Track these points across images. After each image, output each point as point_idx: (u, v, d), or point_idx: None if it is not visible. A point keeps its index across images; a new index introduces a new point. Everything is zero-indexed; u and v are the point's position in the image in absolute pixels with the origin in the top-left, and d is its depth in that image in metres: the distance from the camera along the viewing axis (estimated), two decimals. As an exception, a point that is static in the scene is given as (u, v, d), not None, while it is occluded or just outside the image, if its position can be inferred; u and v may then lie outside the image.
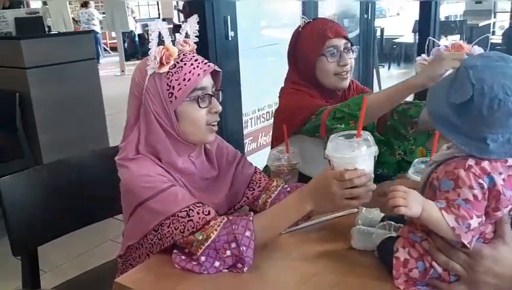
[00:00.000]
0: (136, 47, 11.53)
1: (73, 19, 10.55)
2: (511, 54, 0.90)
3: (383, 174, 1.63)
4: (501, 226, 0.95)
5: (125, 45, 11.44)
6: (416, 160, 1.33)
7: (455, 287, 0.96)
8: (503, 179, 0.90)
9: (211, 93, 1.21)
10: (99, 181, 1.64)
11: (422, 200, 0.94)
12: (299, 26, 1.72)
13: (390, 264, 1.03)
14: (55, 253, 1.57)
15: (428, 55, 1.52)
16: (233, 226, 1.09)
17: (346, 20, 4.26)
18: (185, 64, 1.16)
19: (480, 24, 7.96)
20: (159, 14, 13.35)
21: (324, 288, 1.04)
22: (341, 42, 1.60)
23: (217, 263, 1.08)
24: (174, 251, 1.13)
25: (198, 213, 1.11)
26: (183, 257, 1.11)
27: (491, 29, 8.43)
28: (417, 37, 8.40)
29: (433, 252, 0.97)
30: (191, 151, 1.25)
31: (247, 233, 1.08)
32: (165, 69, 1.15)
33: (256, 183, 1.38)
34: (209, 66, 1.19)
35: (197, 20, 1.25)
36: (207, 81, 1.20)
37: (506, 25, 8.17)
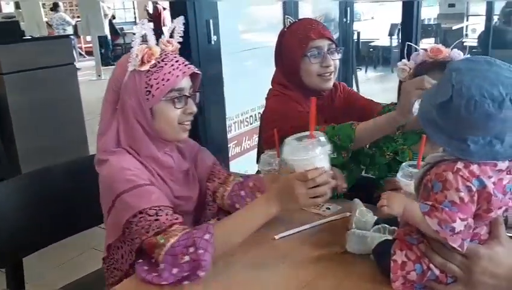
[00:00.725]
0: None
1: (47, 22, 10.37)
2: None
3: (375, 175, 1.63)
4: (496, 227, 0.97)
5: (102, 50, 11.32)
6: (404, 163, 1.34)
7: (452, 288, 0.97)
8: (494, 183, 0.91)
9: (187, 94, 1.23)
10: (83, 189, 1.58)
11: (405, 201, 0.97)
12: (284, 26, 1.72)
13: (386, 267, 1.03)
14: (36, 263, 1.54)
15: (408, 60, 1.55)
16: (194, 231, 1.09)
17: (324, 24, 4.29)
18: (166, 64, 1.19)
19: (454, 27, 8.12)
20: (135, 18, 13.24)
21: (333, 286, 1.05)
22: (324, 43, 1.60)
23: (174, 270, 1.06)
24: (139, 260, 1.12)
25: (166, 215, 1.12)
26: (145, 268, 1.10)
27: (464, 32, 8.61)
28: (393, 40, 8.58)
29: (430, 254, 0.98)
30: (166, 147, 1.28)
31: (206, 236, 1.07)
32: (146, 67, 1.18)
33: (216, 175, 1.42)
34: (189, 68, 1.22)
35: (183, 22, 1.27)
36: (185, 83, 1.23)
37: (478, 28, 8.36)
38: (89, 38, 10.39)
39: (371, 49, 8.86)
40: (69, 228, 1.62)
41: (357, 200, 1.37)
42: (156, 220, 1.10)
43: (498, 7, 4.69)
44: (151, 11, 11.66)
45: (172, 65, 1.19)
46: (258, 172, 1.59)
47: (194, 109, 1.25)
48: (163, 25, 11.38)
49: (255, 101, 3.23)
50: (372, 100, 1.78)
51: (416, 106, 1.28)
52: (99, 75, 9.45)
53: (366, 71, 8.67)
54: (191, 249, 1.05)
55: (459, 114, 0.87)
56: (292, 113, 1.60)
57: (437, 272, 0.97)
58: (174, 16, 2.82)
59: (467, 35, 8.61)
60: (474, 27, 8.78)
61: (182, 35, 1.26)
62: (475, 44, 6.42)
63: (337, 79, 1.76)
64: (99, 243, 2.85)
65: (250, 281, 1.10)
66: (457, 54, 1.48)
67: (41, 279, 2.44)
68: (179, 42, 1.26)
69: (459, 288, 0.96)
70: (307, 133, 1.11)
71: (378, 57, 8.90)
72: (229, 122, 3.08)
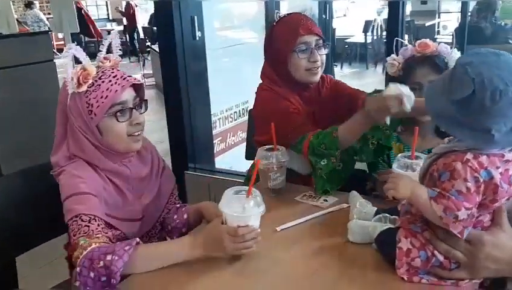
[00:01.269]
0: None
1: (17, 19, 10.08)
2: (463, 52, 0.96)
3: (362, 161, 1.66)
4: (499, 215, 1.00)
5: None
6: (399, 155, 1.37)
7: (456, 273, 1.01)
8: (501, 173, 0.94)
9: (131, 106, 1.26)
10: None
11: (412, 184, 1.00)
12: (274, 20, 1.73)
13: (389, 255, 1.06)
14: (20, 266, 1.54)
15: (397, 55, 1.59)
16: (118, 243, 1.12)
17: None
18: (103, 82, 1.22)
19: (427, 24, 8.28)
20: (108, 14, 13.02)
21: (328, 282, 1.07)
22: (312, 39, 1.62)
23: (92, 274, 1.07)
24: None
25: (98, 226, 1.16)
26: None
27: (436, 29, 8.78)
28: (368, 37, 8.69)
29: (435, 242, 1.01)
30: (122, 158, 1.32)
31: (126, 247, 1.08)
32: (84, 88, 1.21)
33: (170, 203, 1.49)
34: (127, 80, 1.25)
35: (117, 35, 1.33)
36: (127, 95, 1.25)
37: (449, 25, 8.55)
38: (60, 35, 10.16)
39: (346, 46, 8.94)
40: (59, 227, 1.59)
41: (354, 192, 1.40)
42: (86, 226, 1.15)
43: (471, 4, 4.81)
44: (123, 10, 11.50)
45: (110, 81, 1.22)
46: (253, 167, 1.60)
47: (141, 120, 1.28)
48: (137, 23, 11.25)
49: (240, 96, 3.24)
50: (358, 89, 1.82)
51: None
52: (73, 73, 9.27)
53: (341, 67, 8.76)
54: (108, 257, 1.06)
55: (483, 106, 0.88)
56: (280, 109, 1.62)
57: (441, 258, 1.00)
58: (158, 12, 2.81)
59: (438, 32, 8.78)
60: (445, 24, 8.96)
61: (120, 48, 1.31)
62: (448, 40, 6.58)
63: None
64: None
65: (258, 273, 1.12)
66: (445, 48, 1.52)
67: (28, 279, 2.40)
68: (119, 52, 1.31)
69: (463, 273, 1.00)
70: (246, 187, 1.15)
71: (354, 54, 9.00)
72: (213, 118, 3.07)
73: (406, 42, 1.61)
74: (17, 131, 3.23)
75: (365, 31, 8.70)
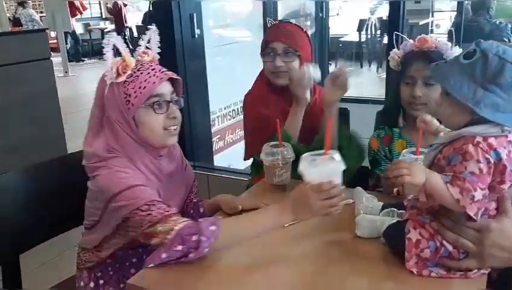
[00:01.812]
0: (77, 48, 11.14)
1: (9, 18, 10.01)
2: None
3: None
4: (503, 203, 1.03)
5: (67, 46, 11.02)
6: (404, 151, 1.39)
7: (464, 263, 1.02)
8: (507, 154, 0.97)
9: (168, 99, 1.27)
10: (72, 187, 1.56)
11: (426, 170, 1.01)
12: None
13: (398, 248, 1.07)
14: (22, 263, 1.54)
15: (398, 50, 1.62)
16: (200, 221, 1.13)
17: (293, 20, 4.33)
18: (142, 73, 1.23)
19: (420, 23, 8.33)
20: (101, 13, 12.96)
21: (338, 277, 1.07)
22: (279, 46, 1.72)
23: (179, 247, 1.09)
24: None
25: (158, 209, 1.16)
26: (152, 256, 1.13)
27: (430, 28, 8.83)
28: (362, 35, 8.73)
29: (443, 231, 1.03)
30: (156, 153, 1.32)
31: (212, 227, 1.11)
32: (122, 78, 1.22)
33: (192, 196, 1.52)
34: (165, 74, 1.26)
35: (157, 30, 1.32)
36: (165, 88, 1.26)
37: (442, 24, 8.61)
38: (53, 34, 10.11)
39: (340, 45, 8.97)
40: (61, 225, 1.61)
41: (359, 188, 1.41)
42: (149, 214, 1.15)
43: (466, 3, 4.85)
44: (111, 8, 11.47)
45: (148, 73, 1.23)
46: (258, 166, 1.63)
47: (177, 114, 1.29)
48: (125, 22, 11.21)
49: (238, 94, 3.24)
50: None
51: None
52: (66, 72, 9.23)
53: (336, 66, 8.78)
54: (195, 237, 1.09)
55: None
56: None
57: (450, 248, 1.02)
58: (158, 9, 2.81)
59: (432, 30, 8.83)
60: (438, 22, 9.02)
61: (159, 45, 1.31)
62: (442, 39, 6.63)
63: None
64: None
65: (268, 269, 1.12)
66: (445, 45, 1.54)
67: (29, 277, 2.39)
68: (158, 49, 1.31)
69: (471, 262, 1.02)
70: (321, 151, 1.16)
71: (348, 53, 9.03)
72: (212, 116, 3.08)
73: (405, 37, 1.64)
74: (15, 128, 3.21)
75: (359, 29, 8.73)
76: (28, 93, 3.29)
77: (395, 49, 1.62)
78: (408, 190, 1.31)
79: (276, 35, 1.75)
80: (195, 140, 2.93)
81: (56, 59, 10.03)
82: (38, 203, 1.54)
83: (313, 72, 1.67)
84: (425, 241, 1.03)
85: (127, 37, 10.35)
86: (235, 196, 1.50)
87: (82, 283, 1.39)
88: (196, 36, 2.80)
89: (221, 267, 1.11)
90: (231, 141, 3.26)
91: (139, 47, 1.27)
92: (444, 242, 1.02)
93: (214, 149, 3.10)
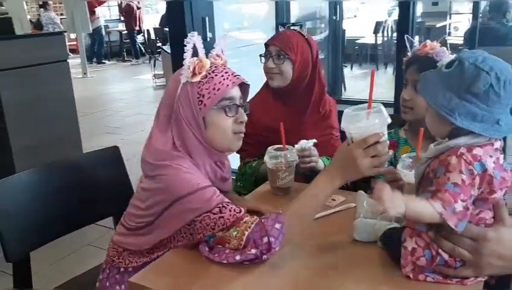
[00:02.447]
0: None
1: (30, 20, 10.21)
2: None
3: None
4: (499, 211, 1.02)
5: (95, 47, 11.19)
6: (403, 155, 1.40)
7: (461, 271, 1.02)
8: (494, 162, 0.97)
9: (238, 103, 1.28)
10: (83, 186, 1.67)
11: (404, 198, 0.99)
12: None
13: (395, 253, 1.09)
14: (33, 261, 1.58)
15: (409, 52, 1.63)
16: (263, 220, 1.14)
17: (309, 22, 4.34)
18: (216, 75, 1.24)
19: (437, 25, 8.24)
20: (119, 15, 13.10)
21: (335, 280, 1.09)
22: (273, 49, 1.82)
23: (253, 251, 1.11)
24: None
25: (230, 211, 1.16)
26: (206, 248, 1.16)
27: (447, 30, 8.74)
28: (378, 38, 8.68)
29: (439, 240, 1.03)
30: (217, 157, 1.33)
31: (277, 225, 1.12)
32: (197, 78, 1.23)
33: None
34: (238, 78, 1.28)
35: (228, 38, 1.36)
36: (235, 93, 1.28)
37: (460, 26, 8.51)
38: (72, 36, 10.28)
39: (356, 47, 8.94)
40: (72, 224, 1.65)
41: (361, 192, 1.42)
42: (221, 217, 1.15)
43: (482, 5, 4.80)
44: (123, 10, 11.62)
45: (222, 76, 1.25)
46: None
47: (245, 118, 1.30)
48: (136, 24, 11.30)
49: (248, 97, 3.26)
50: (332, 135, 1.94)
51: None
52: (85, 73, 9.38)
53: (351, 68, 8.75)
54: (265, 239, 1.10)
55: (498, 96, 0.95)
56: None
57: (446, 256, 1.02)
58: (171, 13, 2.85)
59: (449, 33, 8.74)
60: (456, 25, 8.92)
61: (224, 50, 1.32)
62: (459, 42, 6.57)
63: (327, 75, 1.90)
64: (94, 239, 2.87)
65: (266, 270, 1.13)
66: (442, 52, 1.54)
67: (38, 276, 2.45)
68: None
69: (468, 271, 1.02)
70: (365, 104, 1.13)
71: (364, 55, 8.99)
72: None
73: (414, 40, 1.66)
74: (31, 129, 3.29)
75: (376, 32, 8.68)
76: (45, 94, 3.37)
77: (409, 52, 1.65)
78: (407, 194, 1.33)
79: (273, 39, 1.85)
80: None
81: (75, 61, 10.25)
82: (49, 202, 1.58)
83: (305, 144, 1.63)
84: (421, 250, 1.04)
85: (150, 38, 10.45)
86: (239, 196, 1.53)
87: (118, 287, 1.35)
88: (208, 39, 2.83)
89: (222, 267, 1.13)
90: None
91: (213, 50, 1.29)
92: (440, 251, 1.02)
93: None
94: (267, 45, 1.85)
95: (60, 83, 3.46)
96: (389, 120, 1.10)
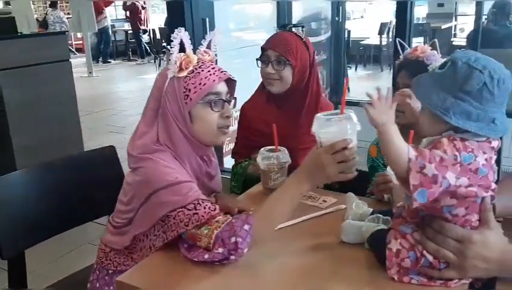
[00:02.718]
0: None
1: (36, 19, 10.28)
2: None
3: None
4: (485, 214, 1.02)
5: (101, 46, 11.24)
6: None
7: (446, 273, 1.03)
8: (486, 159, 0.97)
9: (224, 99, 1.30)
10: (81, 184, 1.68)
11: (391, 118, 1.00)
12: None
13: (381, 255, 1.09)
14: (32, 258, 1.59)
15: (401, 54, 1.66)
16: (234, 221, 1.15)
17: (313, 23, 4.34)
18: (203, 70, 1.26)
19: (443, 27, 8.21)
20: (126, 15, 13.15)
21: (322, 280, 1.10)
22: (272, 54, 1.78)
23: (206, 255, 1.12)
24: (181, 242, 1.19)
25: (205, 208, 1.17)
26: (185, 245, 1.18)
27: (453, 32, 8.71)
28: (383, 39, 8.66)
29: (424, 242, 1.03)
30: (202, 151, 1.34)
31: (246, 227, 1.12)
32: (184, 73, 1.25)
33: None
34: (224, 74, 1.30)
35: (220, 33, 1.37)
36: (222, 88, 1.30)
37: (466, 28, 8.47)
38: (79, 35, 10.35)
39: (361, 48, 8.93)
40: (67, 222, 1.66)
41: (351, 194, 1.43)
42: (195, 214, 1.16)
43: (486, 7, 4.77)
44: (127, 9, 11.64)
45: (209, 71, 1.27)
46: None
47: (231, 113, 1.33)
48: (141, 24, 11.34)
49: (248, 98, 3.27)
50: None
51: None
52: (91, 72, 9.43)
53: (356, 69, 8.75)
54: (233, 239, 1.11)
55: (492, 94, 0.95)
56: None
57: (430, 258, 1.03)
58: (171, 14, 2.87)
59: (455, 34, 8.71)
60: (462, 27, 8.88)
61: (216, 45, 1.35)
62: (463, 43, 6.54)
63: (329, 76, 1.90)
64: (95, 237, 2.89)
65: (254, 269, 1.15)
66: (433, 56, 1.55)
67: (37, 274, 2.47)
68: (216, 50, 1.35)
69: (452, 273, 1.02)
70: (338, 110, 1.15)
71: (368, 56, 8.98)
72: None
73: (404, 43, 1.67)
74: (32, 128, 3.32)
75: (380, 33, 8.67)
76: (47, 94, 3.40)
77: (401, 56, 1.65)
78: (396, 197, 1.34)
79: (271, 43, 1.81)
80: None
81: (81, 60, 10.31)
82: (44, 200, 1.60)
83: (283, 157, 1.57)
84: (406, 251, 1.04)
85: (155, 38, 10.48)
86: (232, 197, 1.54)
87: (106, 288, 1.37)
88: (208, 40, 2.84)
89: (207, 266, 1.14)
90: (242, 143, 3.29)
91: (200, 46, 1.32)
92: (425, 252, 1.03)
93: (224, 151, 3.14)
94: (263, 48, 1.82)
95: (62, 83, 3.50)
96: (359, 127, 1.11)
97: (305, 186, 1.16)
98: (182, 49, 1.25)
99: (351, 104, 1.63)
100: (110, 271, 1.36)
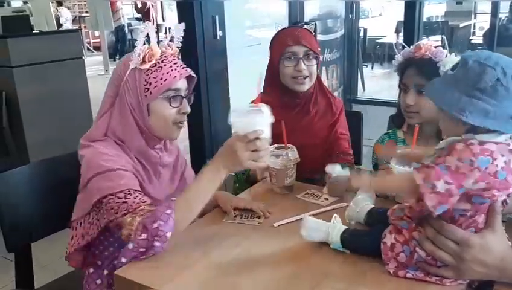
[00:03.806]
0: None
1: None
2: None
3: None
4: (492, 216, 0.99)
5: (118, 44, 11.32)
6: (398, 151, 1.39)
7: (443, 272, 1.01)
8: (504, 162, 0.93)
9: (183, 95, 1.32)
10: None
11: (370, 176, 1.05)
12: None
13: (357, 251, 1.13)
14: (39, 254, 1.61)
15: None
16: (157, 207, 1.17)
17: (329, 20, 4.32)
18: (165, 65, 1.28)
19: (461, 25, 8.09)
20: (142, 14, 13.25)
21: (321, 275, 1.09)
22: (300, 50, 1.71)
23: (130, 245, 1.14)
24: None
25: (135, 198, 1.20)
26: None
27: (472, 30, 8.58)
28: (400, 37, 8.56)
29: (422, 241, 1.02)
30: (155, 144, 1.37)
31: (168, 211, 1.15)
32: (146, 66, 1.26)
33: None
34: (185, 70, 1.31)
35: (184, 27, 1.36)
36: (182, 84, 1.32)
37: (486, 26, 8.33)
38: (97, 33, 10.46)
39: (378, 46, 8.84)
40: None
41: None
42: (124, 202, 1.19)
43: (505, 5, 4.69)
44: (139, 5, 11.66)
45: (171, 66, 1.28)
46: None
47: (188, 109, 1.34)
48: (152, 22, 11.37)
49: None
50: (343, 134, 1.86)
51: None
52: (107, 70, 9.52)
53: (372, 68, 8.67)
54: (155, 225, 1.13)
55: (507, 90, 0.92)
56: None
57: (423, 255, 1.01)
58: (181, 11, 2.87)
59: (474, 33, 8.57)
60: (482, 25, 8.73)
61: (181, 41, 1.35)
62: (480, 41, 6.44)
63: (342, 75, 1.84)
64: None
65: (248, 264, 1.15)
66: (440, 53, 1.50)
67: (44, 267, 2.50)
68: (181, 42, 1.35)
69: (449, 272, 1.00)
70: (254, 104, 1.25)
71: (385, 54, 8.88)
72: (233, 115, 3.11)
73: (404, 44, 1.64)
74: (46, 124, 3.37)
75: (397, 31, 8.57)
76: (61, 91, 3.45)
77: (397, 55, 1.62)
78: (397, 196, 1.33)
79: (296, 38, 1.72)
80: (214, 138, 2.99)
81: (98, 58, 10.42)
82: (51, 195, 1.61)
83: (292, 155, 1.55)
84: (400, 246, 1.04)
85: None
86: (233, 195, 1.54)
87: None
88: (218, 38, 2.85)
89: (204, 260, 1.16)
90: (252, 140, 3.29)
91: (165, 38, 1.32)
92: (417, 248, 1.02)
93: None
94: (288, 46, 1.71)
95: (75, 80, 3.54)
96: (270, 120, 1.20)
97: (222, 171, 1.20)
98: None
99: (366, 102, 1.61)
100: (91, 269, 1.39)
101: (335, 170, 1.22)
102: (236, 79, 3.05)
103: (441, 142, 1.03)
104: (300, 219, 1.33)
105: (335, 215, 1.20)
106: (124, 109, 1.29)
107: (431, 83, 1.05)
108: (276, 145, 1.56)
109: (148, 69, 1.26)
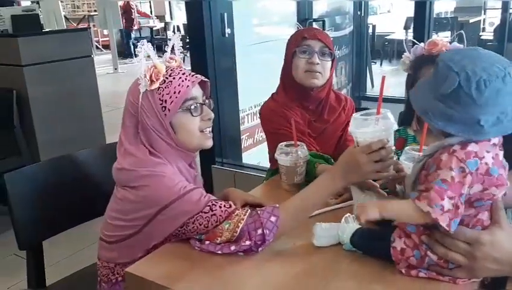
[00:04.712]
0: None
1: (65, 16, 10.49)
2: (503, 50, 0.96)
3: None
4: (496, 212, 0.99)
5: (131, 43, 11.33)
6: (407, 148, 1.39)
7: (456, 272, 1.00)
8: (493, 157, 0.93)
9: (201, 102, 1.29)
10: (98, 177, 1.71)
11: (378, 203, 1.02)
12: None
13: (369, 253, 1.12)
14: (48, 252, 1.62)
15: (409, 53, 1.60)
16: (259, 213, 1.16)
17: (337, 17, 4.30)
18: (174, 78, 1.24)
19: (471, 21, 8.03)
20: (151, 11, 13.32)
21: (330, 275, 1.09)
22: (316, 44, 1.68)
23: (247, 242, 1.14)
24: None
25: (220, 207, 1.18)
26: (197, 242, 1.19)
27: (482, 26, 8.51)
28: (409, 33, 8.51)
29: (432, 244, 1.00)
30: (190, 160, 1.35)
31: (272, 218, 1.15)
32: (156, 85, 1.22)
33: None
34: (196, 77, 1.28)
35: (180, 37, 1.34)
36: (197, 92, 1.29)
37: (496, 22, 8.25)
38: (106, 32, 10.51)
39: (386, 43, 8.80)
40: (84, 214, 1.70)
41: (354, 188, 1.39)
42: (213, 215, 1.17)
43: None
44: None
45: (180, 78, 1.25)
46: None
47: (212, 115, 1.31)
48: (134, 24, 11.32)
49: (268, 93, 3.26)
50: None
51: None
52: (116, 68, 9.57)
53: (381, 64, 8.64)
54: (259, 231, 1.13)
55: (471, 97, 0.89)
56: (274, 137, 1.73)
57: (434, 258, 1.00)
58: (189, 8, 2.88)
59: (484, 28, 8.50)
60: (492, 20, 8.66)
61: (182, 50, 1.33)
62: (490, 37, 6.39)
63: (351, 72, 1.83)
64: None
65: (257, 263, 1.15)
66: (454, 48, 1.49)
67: (61, 264, 2.53)
68: (181, 54, 1.33)
69: (462, 273, 0.99)
70: (374, 110, 1.16)
71: (393, 51, 8.84)
72: (241, 114, 3.12)
73: (415, 41, 1.62)
74: (56, 123, 3.39)
75: (406, 28, 8.53)
76: (70, 90, 3.47)
77: (406, 53, 1.60)
78: (408, 187, 1.31)
79: (313, 32, 1.71)
80: (224, 137, 2.99)
81: (107, 56, 10.48)
82: (62, 193, 1.63)
83: (302, 153, 1.55)
84: (410, 250, 1.03)
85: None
86: (244, 192, 1.54)
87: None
88: (226, 35, 2.85)
89: (215, 257, 1.16)
90: (261, 138, 3.29)
91: (165, 53, 1.30)
92: (428, 252, 1.01)
93: (242, 147, 3.14)
94: (304, 38, 1.68)
95: (84, 78, 3.56)
96: (396, 126, 1.13)
97: (339, 183, 1.18)
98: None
99: (375, 99, 1.59)
100: (113, 280, 1.34)
101: (358, 198, 1.25)
102: (244, 77, 3.05)
103: (427, 147, 1.03)
104: (310, 217, 1.35)
105: (347, 214, 1.20)
106: (150, 134, 1.25)
107: (418, 82, 1.05)
108: (285, 143, 1.56)
109: (159, 87, 1.23)
